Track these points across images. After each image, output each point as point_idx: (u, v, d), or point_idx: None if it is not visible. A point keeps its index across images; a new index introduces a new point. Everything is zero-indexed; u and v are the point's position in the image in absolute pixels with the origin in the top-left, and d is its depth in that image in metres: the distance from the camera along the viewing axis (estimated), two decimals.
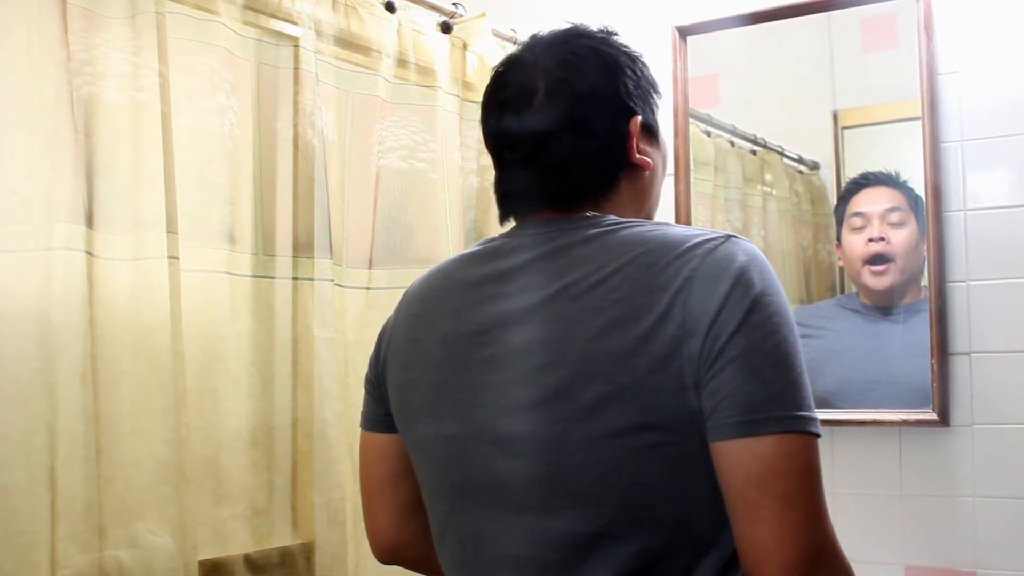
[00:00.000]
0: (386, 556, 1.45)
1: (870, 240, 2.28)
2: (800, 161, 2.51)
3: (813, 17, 2.38)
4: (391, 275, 2.17)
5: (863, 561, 2.19)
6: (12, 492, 1.50)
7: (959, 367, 2.18)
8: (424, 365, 1.27)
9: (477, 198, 2.42)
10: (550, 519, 1.14)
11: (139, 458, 1.65)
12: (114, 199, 1.66)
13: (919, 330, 2.21)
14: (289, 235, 1.98)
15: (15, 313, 1.53)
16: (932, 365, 2.18)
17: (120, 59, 1.68)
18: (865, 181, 2.33)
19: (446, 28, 2.35)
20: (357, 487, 1.99)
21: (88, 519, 1.58)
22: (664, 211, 1.36)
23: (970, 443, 2.16)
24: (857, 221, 2.31)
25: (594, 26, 1.33)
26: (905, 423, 2.20)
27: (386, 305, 2.07)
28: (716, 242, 1.13)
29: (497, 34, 2.45)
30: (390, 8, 2.20)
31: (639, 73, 1.30)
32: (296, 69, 2.00)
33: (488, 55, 2.41)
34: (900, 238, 2.26)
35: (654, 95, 1.32)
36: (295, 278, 1.98)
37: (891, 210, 2.27)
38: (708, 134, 2.56)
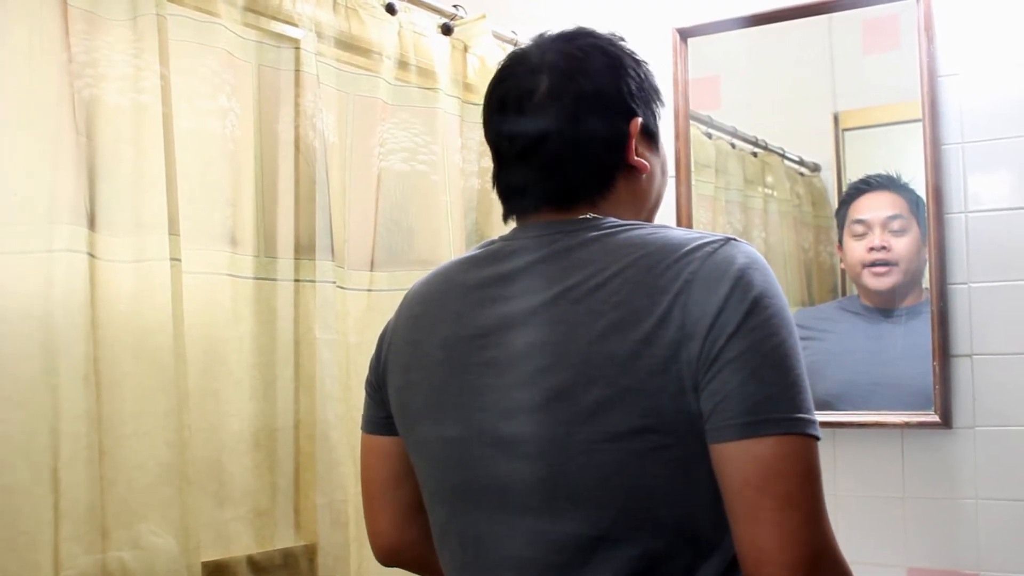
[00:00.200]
0: (387, 558, 1.45)
1: (871, 249, 2.28)
2: (801, 163, 2.51)
3: (814, 19, 2.38)
4: (392, 277, 2.17)
5: (865, 563, 2.19)
6: (15, 493, 1.50)
7: (961, 369, 2.18)
8: (425, 368, 1.27)
9: (478, 200, 2.42)
10: (551, 522, 1.14)
11: (142, 460, 1.65)
12: (116, 201, 1.66)
13: (920, 332, 2.21)
14: (291, 237, 1.98)
15: (17, 314, 1.53)
16: (934, 367, 2.18)
17: (121, 61, 1.68)
18: (866, 186, 2.33)
19: (447, 30, 2.36)
20: (359, 488, 2.00)
21: (91, 520, 1.58)
22: (665, 213, 1.36)
23: (972, 445, 2.16)
24: (858, 228, 2.31)
25: (601, 29, 1.33)
26: (907, 425, 2.20)
27: (387, 307, 2.07)
28: (716, 245, 1.13)
29: (498, 36, 2.46)
30: (391, 10, 2.20)
31: (643, 77, 1.30)
32: (297, 71, 2.00)
33: (489, 57, 2.42)
34: (901, 245, 2.26)
35: (656, 101, 1.33)
36: (297, 280, 1.98)
37: (892, 218, 2.27)
38: (709, 136, 2.56)
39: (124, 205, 1.67)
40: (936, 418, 2.17)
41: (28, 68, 1.57)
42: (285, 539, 1.93)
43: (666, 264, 1.11)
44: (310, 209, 1.98)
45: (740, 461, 1.05)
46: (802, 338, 2.34)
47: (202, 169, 1.83)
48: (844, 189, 2.38)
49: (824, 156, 2.45)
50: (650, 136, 1.30)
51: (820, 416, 2.27)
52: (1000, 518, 2.12)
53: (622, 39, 1.32)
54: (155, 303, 1.67)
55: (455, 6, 2.38)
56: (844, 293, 2.39)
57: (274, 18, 1.99)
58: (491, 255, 1.27)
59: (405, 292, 1.39)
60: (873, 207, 2.30)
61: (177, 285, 1.69)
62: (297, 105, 1.99)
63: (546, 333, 1.15)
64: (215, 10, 1.86)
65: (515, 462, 1.16)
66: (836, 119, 2.41)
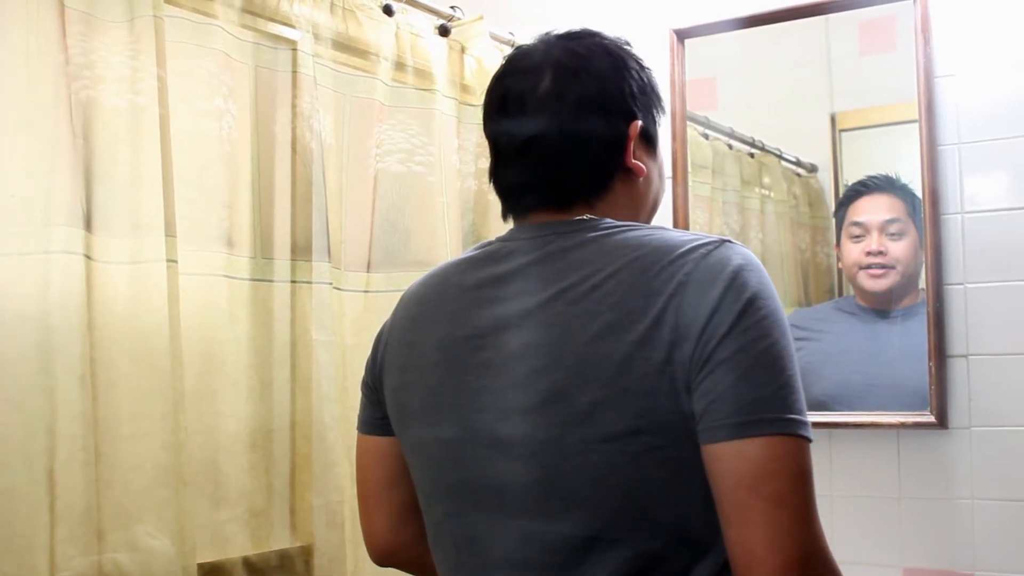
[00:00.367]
0: (383, 558, 1.45)
1: (868, 253, 2.28)
2: (798, 164, 2.51)
3: (811, 20, 2.38)
4: (389, 278, 2.17)
5: (862, 564, 2.20)
6: (11, 495, 1.50)
7: (957, 370, 2.18)
8: (421, 368, 1.27)
9: (475, 201, 2.42)
10: (546, 522, 1.14)
11: (138, 461, 1.65)
12: (112, 203, 1.66)
13: (917, 333, 2.21)
14: (287, 238, 1.98)
15: (14, 316, 1.53)
16: (930, 368, 2.18)
17: (118, 63, 1.68)
18: (865, 188, 2.33)
19: (444, 31, 2.36)
20: (355, 490, 2.00)
21: (87, 522, 1.58)
22: (662, 214, 1.37)
23: (968, 445, 2.16)
24: (856, 231, 2.31)
25: (606, 31, 1.33)
26: (903, 426, 2.20)
27: (384, 308, 2.07)
28: (710, 247, 1.13)
29: (495, 37, 2.46)
30: (388, 11, 2.20)
31: (645, 80, 1.31)
32: (294, 72, 2.00)
33: (486, 58, 2.42)
34: (899, 249, 2.26)
35: (657, 107, 1.33)
36: (293, 281, 1.98)
37: (890, 222, 2.27)
38: (706, 137, 2.56)
39: (121, 207, 1.67)
40: (932, 418, 2.17)
41: (25, 70, 1.57)
42: (281, 540, 1.93)
43: (661, 266, 1.12)
44: (307, 210, 1.99)
45: (731, 461, 1.05)
46: (798, 338, 2.35)
47: (199, 170, 1.84)
48: (841, 190, 2.38)
49: (821, 157, 2.45)
50: (649, 140, 1.30)
51: (816, 416, 2.29)
52: (996, 518, 2.12)
53: (627, 43, 1.33)
54: (152, 305, 1.67)
55: (452, 7, 2.38)
56: (841, 294, 2.39)
57: (271, 19, 1.99)
58: (488, 256, 1.27)
59: (401, 293, 1.39)
60: (871, 210, 2.30)
61: (173, 287, 1.69)
62: (294, 106, 1.99)
63: (541, 334, 1.15)
64: (212, 12, 1.86)
65: (510, 463, 1.16)
66: (833, 120, 2.41)
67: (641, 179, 1.29)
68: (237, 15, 1.91)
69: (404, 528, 1.39)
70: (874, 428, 2.24)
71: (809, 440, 1.08)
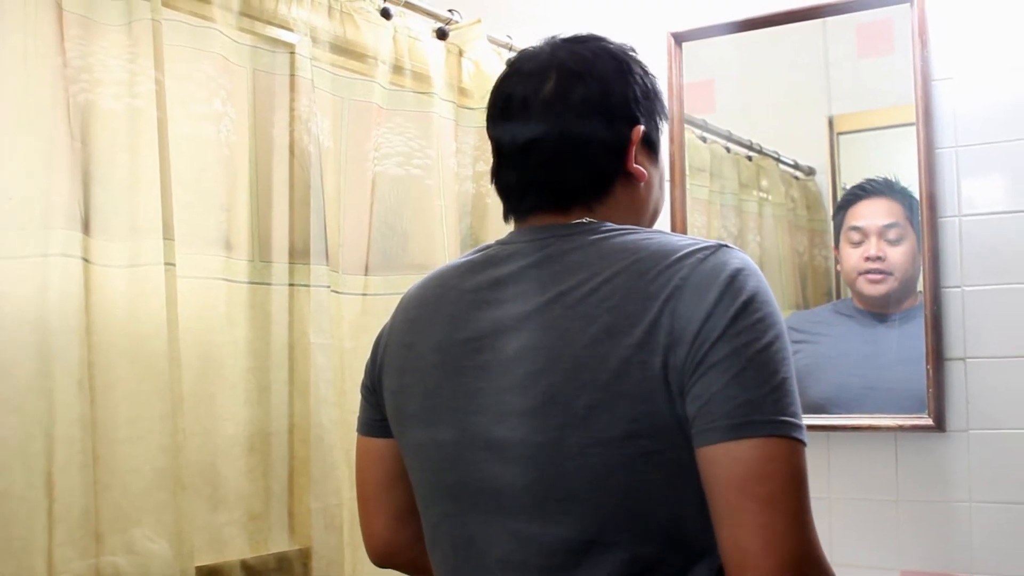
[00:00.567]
0: (382, 560, 1.45)
1: (867, 258, 2.28)
2: (796, 167, 2.51)
3: (808, 23, 2.38)
4: (387, 281, 2.17)
5: (859, 566, 2.20)
6: (9, 498, 1.50)
7: (954, 373, 2.18)
8: (419, 371, 1.27)
9: (473, 204, 2.42)
10: (543, 525, 1.14)
11: (136, 464, 1.65)
12: (110, 206, 1.66)
13: (914, 336, 2.21)
14: (285, 241, 1.98)
15: (12, 319, 1.53)
16: (927, 371, 2.18)
17: (116, 66, 1.68)
18: (863, 192, 2.32)
19: (442, 35, 2.36)
20: (354, 493, 1.99)
21: (85, 525, 1.58)
22: (660, 217, 1.37)
23: (966, 448, 2.16)
24: (855, 236, 2.31)
25: (614, 37, 1.34)
26: (901, 428, 2.20)
27: (382, 311, 2.07)
28: (707, 251, 1.13)
29: (493, 40, 2.46)
30: (386, 15, 2.20)
31: (649, 87, 1.31)
32: (292, 76, 2.00)
33: (484, 62, 2.42)
34: (897, 254, 2.26)
35: (661, 114, 1.33)
36: (291, 284, 1.98)
37: (889, 227, 2.27)
38: (704, 140, 2.56)
39: (119, 210, 1.67)
40: (929, 421, 2.17)
41: (23, 73, 1.57)
42: (279, 543, 1.93)
43: (658, 270, 1.12)
44: (304, 214, 1.99)
45: (722, 463, 1.05)
46: (796, 341, 2.35)
47: (197, 174, 1.84)
48: (839, 193, 2.38)
49: (819, 160, 2.45)
50: (651, 146, 1.31)
51: (814, 419, 2.29)
52: (993, 521, 2.13)
53: (632, 49, 1.33)
54: (150, 308, 1.67)
55: (450, 11, 2.38)
56: (839, 296, 2.39)
57: (269, 23, 1.99)
58: (487, 259, 1.28)
59: (400, 296, 1.40)
60: (870, 214, 2.30)
61: (172, 289, 1.69)
62: (292, 110, 1.99)
63: (539, 337, 1.15)
64: (210, 15, 1.86)
65: (507, 465, 1.16)
66: (831, 123, 2.42)
67: (642, 184, 1.29)
68: (235, 19, 1.91)
69: (403, 529, 1.40)
70: (872, 431, 2.24)
71: (803, 443, 1.07)
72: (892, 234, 2.26)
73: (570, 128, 1.24)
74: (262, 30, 1.99)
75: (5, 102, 1.56)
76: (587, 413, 1.10)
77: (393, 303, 1.41)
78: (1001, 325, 2.14)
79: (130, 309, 1.67)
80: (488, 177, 2.27)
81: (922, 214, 2.20)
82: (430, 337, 1.27)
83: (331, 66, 2.13)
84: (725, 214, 2.57)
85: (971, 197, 2.19)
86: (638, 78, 1.29)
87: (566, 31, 1.34)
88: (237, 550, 1.86)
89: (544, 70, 1.27)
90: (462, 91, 2.42)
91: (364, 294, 2.15)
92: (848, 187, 2.38)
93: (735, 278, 1.10)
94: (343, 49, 2.16)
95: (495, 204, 2.38)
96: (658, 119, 1.33)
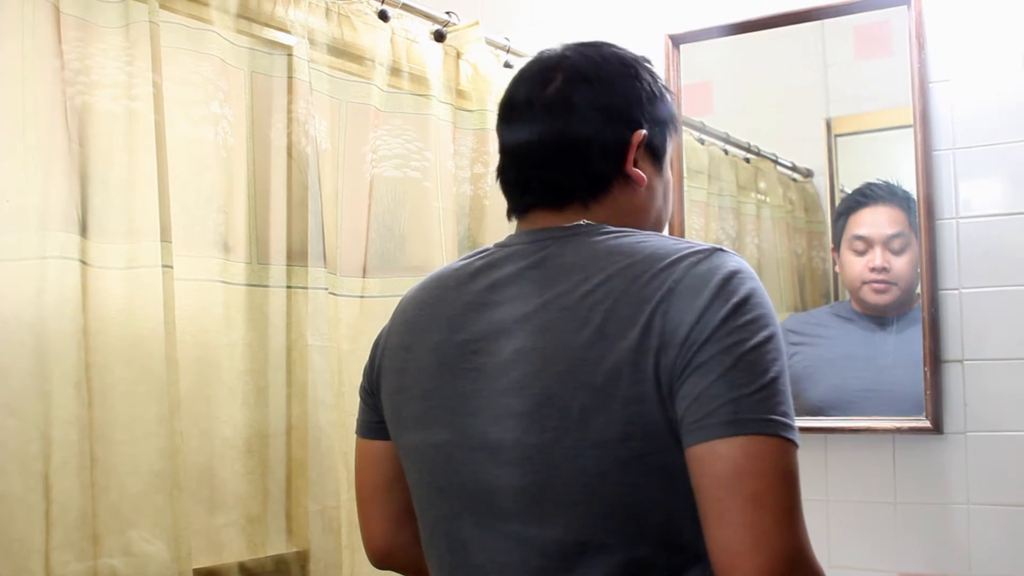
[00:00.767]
0: (380, 561, 1.45)
1: (872, 269, 2.28)
2: (794, 169, 2.51)
3: (806, 25, 2.38)
4: (385, 283, 2.17)
5: (857, 569, 2.20)
6: (7, 499, 1.50)
7: (952, 375, 2.18)
8: (416, 372, 1.27)
9: (471, 206, 2.42)
10: (537, 527, 1.15)
11: (133, 466, 1.65)
12: (108, 208, 1.66)
13: (912, 338, 2.21)
14: (283, 244, 1.98)
15: (10, 321, 1.53)
16: (925, 373, 2.18)
17: (114, 68, 1.68)
18: (865, 198, 2.32)
19: (439, 37, 2.36)
20: (351, 495, 2.00)
21: (82, 527, 1.58)
22: None
23: (963, 451, 2.16)
24: (859, 245, 2.30)
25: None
26: (898, 431, 2.21)
27: (380, 313, 2.07)
28: (702, 255, 1.13)
29: (490, 43, 2.46)
30: (383, 17, 2.20)
31: (657, 96, 1.32)
32: (290, 78, 2.00)
33: (481, 64, 2.42)
34: (901, 263, 2.25)
35: (670, 126, 1.34)
36: (289, 287, 1.98)
37: (894, 236, 2.26)
38: (702, 142, 2.56)
39: (116, 212, 1.67)
40: (927, 424, 2.17)
41: (21, 75, 1.57)
42: (277, 545, 1.93)
43: (652, 273, 1.12)
44: (302, 215, 1.99)
45: (708, 462, 1.05)
46: (794, 343, 2.35)
47: (194, 176, 1.84)
48: (837, 195, 2.39)
49: (817, 162, 2.45)
50: (654, 153, 1.31)
51: (811, 422, 2.29)
52: (991, 523, 2.13)
53: (647, 60, 1.35)
54: (147, 310, 1.67)
55: (448, 13, 2.38)
56: (837, 298, 2.39)
57: (267, 25, 1.99)
58: (484, 262, 1.28)
59: (397, 298, 1.40)
60: (874, 223, 2.29)
61: (169, 292, 1.69)
62: (290, 112, 1.99)
63: (534, 340, 1.15)
64: (208, 17, 1.86)
65: (502, 467, 1.16)
66: (829, 125, 2.42)
67: (643, 188, 1.29)
68: (232, 21, 1.91)
69: (401, 531, 1.40)
70: (870, 433, 2.24)
71: (792, 442, 1.06)
72: (897, 244, 2.26)
73: (569, 126, 1.25)
74: (260, 32, 1.99)
75: (3, 104, 1.56)
76: (581, 415, 1.10)
77: (391, 305, 1.41)
78: (999, 327, 2.14)
79: (127, 311, 1.67)
80: (486, 179, 2.28)
81: (920, 216, 2.20)
82: (427, 339, 1.27)
83: (329, 68, 2.13)
84: (723, 216, 2.57)
85: (968, 199, 2.19)
86: (645, 84, 1.30)
87: (584, 36, 1.35)
88: (235, 552, 1.86)
89: (552, 71, 1.29)
90: (460, 93, 2.43)
91: (362, 296, 2.15)
92: (846, 190, 2.38)
93: (729, 281, 1.10)
94: (341, 51, 2.16)
95: (493, 206, 2.39)
96: (666, 131, 1.33)
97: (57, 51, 1.61)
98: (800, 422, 2.30)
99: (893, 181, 2.27)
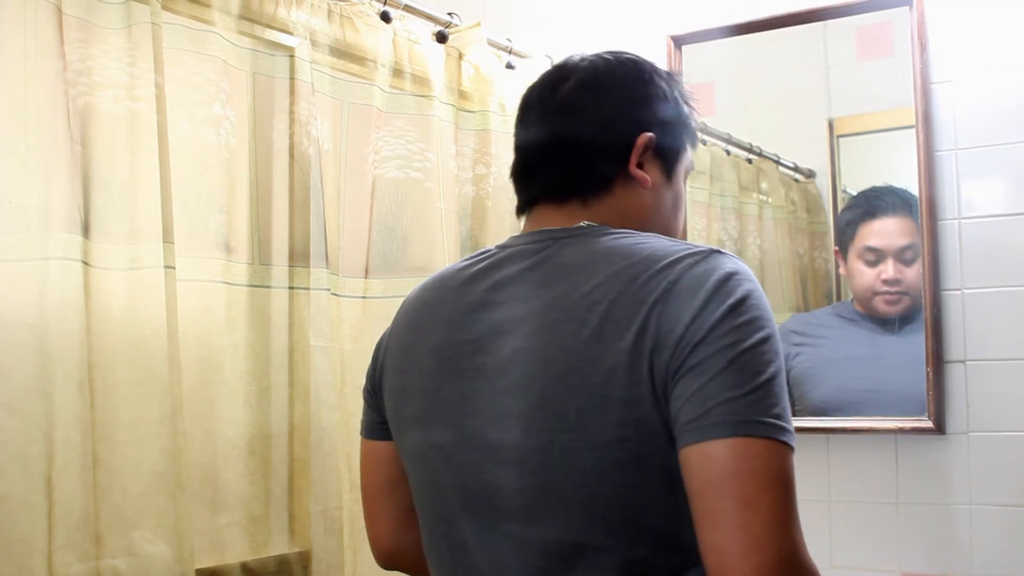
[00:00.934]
0: (387, 562, 1.46)
1: (885, 281, 2.27)
2: (796, 169, 2.51)
3: (808, 26, 2.38)
4: (387, 284, 2.17)
5: (860, 569, 2.20)
6: (9, 500, 1.50)
7: (954, 375, 2.18)
8: (418, 372, 1.28)
9: (473, 207, 2.42)
10: (536, 528, 1.15)
11: (136, 467, 1.65)
12: (110, 209, 1.66)
13: (914, 338, 2.21)
14: (285, 244, 1.98)
15: (12, 322, 1.53)
16: (927, 373, 2.18)
17: (116, 69, 1.68)
18: (877, 209, 2.31)
19: (441, 38, 2.36)
20: (354, 496, 2.00)
21: (85, 528, 1.58)
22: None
23: (966, 451, 2.16)
24: (870, 256, 2.29)
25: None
26: (901, 431, 2.20)
27: (382, 314, 2.07)
28: (699, 256, 1.13)
29: (492, 43, 2.46)
30: (385, 18, 2.20)
31: (672, 102, 1.33)
32: (292, 79, 2.00)
33: (483, 65, 2.42)
34: (912, 273, 2.24)
35: (685, 136, 1.35)
36: (291, 287, 1.98)
37: (905, 248, 2.25)
38: (704, 143, 2.56)
39: (118, 213, 1.67)
40: (930, 424, 2.17)
41: (23, 76, 1.57)
42: (279, 546, 1.93)
43: (648, 275, 1.12)
44: (304, 216, 1.99)
45: (698, 462, 1.05)
46: (797, 344, 2.35)
47: (197, 177, 1.84)
48: (840, 195, 2.39)
49: (819, 162, 2.45)
50: (663, 158, 1.32)
51: (814, 422, 2.29)
52: (993, 523, 2.12)
53: (669, 72, 1.37)
54: (149, 310, 1.67)
55: (450, 14, 2.38)
56: (839, 299, 2.39)
57: (269, 26, 1.99)
58: (486, 262, 1.28)
59: (399, 299, 1.41)
60: (887, 235, 2.28)
61: (171, 292, 1.69)
62: (292, 113, 1.99)
63: (533, 341, 1.16)
64: (210, 18, 1.87)
65: (501, 468, 1.17)
66: (831, 125, 2.42)
67: (647, 192, 1.29)
68: (235, 22, 1.91)
69: (407, 531, 1.40)
70: (872, 433, 2.24)
71: (786, 444, 1.05)
72: (908, 255, 2.25)
73: (574, 126, 1.28)
74: (262, 33, 1.99)
75: (5, 105, 1.56)
76: (578, 417, 1.10)
77: (393, 306, 1.41)
78: (1001, 328, 2.14)
79: (130, 312, 1.67)
80: (488, 180, 2.28)
81: (922, 217, 2.20)
82: (429, 339, 1.28)
83: (331, 69, 2.13)
84: (725, 217, 2.57)
85: (971, 200, 2.19)
86: (660, 91, 1.32)
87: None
88: (237, 553, 1.86)
89: (567, 74, 1.32)
90: (462, 94, 2.43)
91: (364, 297, 2.15)
92: (848, 190, 2.38)
93: (726, 282, 1.10)
94: (343, 52, 2.16)
95: (495, 207, 2.39)
96: (680, 139, 1.34)
97: (59, 52, 1.61)
98: (802, 422, 2.31)
99: (899, 185, 2.27)
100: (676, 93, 1.34)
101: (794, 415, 1.11)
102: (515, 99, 2.43)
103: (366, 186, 2.18)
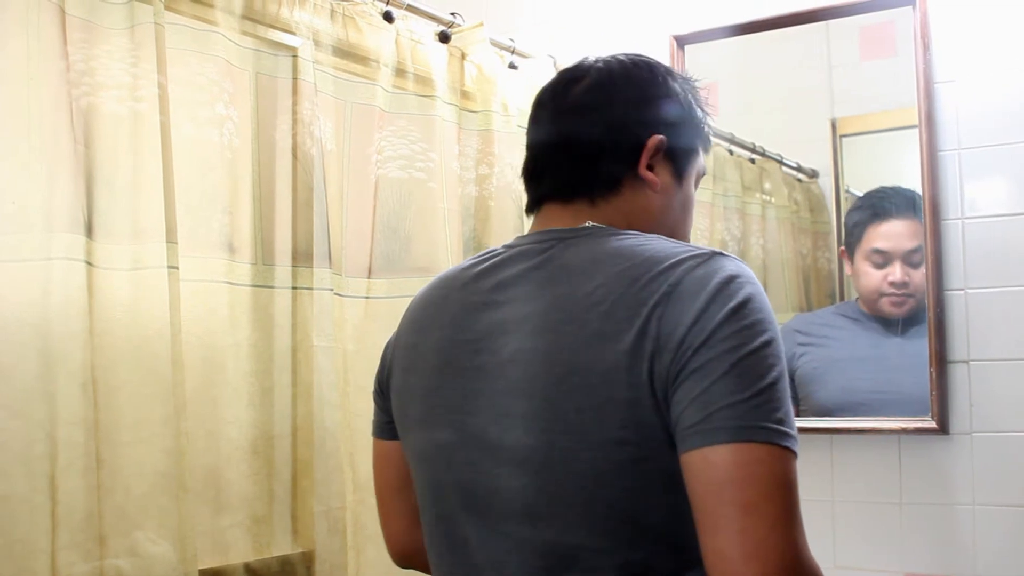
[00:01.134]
0: (402, 560, 1.47)
1: (892, 283, 2.27)
2: (799, 169, 2.51)
3: (811, 26, 2.38)
4: (390, 284, 2.17)
5: (863, 569, 2.20)
6: (12, 501, 1.50)
7: (958, 375, 2.18)
8: (421, 371, 1.28)
9: (476, 207, 2.42)
10: (534, 529, 1.15)
11: (139, 467, 1.65)
12: (113, 209, 1.67)
13: (918, 339, 2.21)
14: (288, 244, 1.98)
15: (15, 322, 1.53)
16: (931, 374, 2.18)
17: (119, 70, 1.68)
18: (885, 212, 2.30)
19: (444, 38, 2.36)
20: (357, 496, 2.01)
21: (88, 528, 1.58)
22: None
23: (969, 451, 2.16)
24: (877, 258, 2.29)
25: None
26: (904, 431, 2.20)
27: (385, 314, 2.08)
28: (700, 259, 1.12)
29: (495, 43, 2.46)
30: (388, 18, 2.21)
31: (685, 106, 1.33)
32: (295, 79, 2.00)
33: (486, 65, 2.42)
34: (919, 276, 2.23)
35: (698, 140, 1.36)
36: (294, 287, 1.98)
37: (913, 251, 2.25)
38: None
39: (122, 213, 1.67)
40: (933, 424, 2.17)
41: (26, 76, 1.58)
42: (282, 546, 1.93)
43: (649, 276, 1.11)
44: (307, 216, 1.99)
45: (699, 468, 1.04)
46: (802, 343, 2.35)
47: (200, 177, 1.84)
48: (843, 195, 2.38)
49: (822, 162, 2.45)
50: (674, 160, 1.32)
51: (817, 422, 2.29)
52: (996, 524, 2.12)
53: (685, 76, 1.37)
54: (153, 311, 1.67)
55: (452, 14, 2.38)
56: (842, 299, 2.39)
57: (272, 26, 1.99)
58: (491, 262, 1.29)
59: (403, 299, 1.41)
60: (894, 237, 2.28)
61: (175, 293, 1.69)
62: (295, 113, 1.99)
63: (534, 341, 1.16)
64: (213, 19, 1.87)
65: (501, 467, 1.17)
66: (834, 125, 2.42)
67: (655, 194, 1.29)
68: (238, 22, 1.91)
69: (419, 530, 1.40)
70: (875, 434, 2.24)
71: (788, 449, 1.04)
72: (916, 257, 2.25)
73: (584, 126, 1.28)
74: (264, 34, 1.99)
75: (8, 105, 1.56)
76: (577, 418, 1.10)
77: (396, 306, 1.41)
78: (1004, 328, 2.14)
79: (133, 312, 1.67)
80: (490, 180, 2.28)
81: (925, 217, 2.20)
82: (432, 338, 1.28)
83: (334, 69, 2.13)
84: (728, 217, 2.56)
85: (974, 200, 2.19)
86: (673, 94, 1.32)
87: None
88: (240, 553, 1.86)
89: (581, 75, 1.32)
90: (464, 94, 2.43)
91: (367, 297, 2.15)
92: (851, 190, 2.38)
93: (727, 285, 1.09)
94: (346, 52, 2.16)
95: (498, 207, 2.39)
96: (692, 142, 1.34)
97: (62, 53, 1.61)
98: (806, 422, 2.31)
99: (905, 186, 2.26)
100: (690, 97, 1.35)
101: (799, 415, 1.11)
102: (518, 99, 2.45)
103: (369, 186, 2.18)
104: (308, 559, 1.94)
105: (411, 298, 1.40)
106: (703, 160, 1.38)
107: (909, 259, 2.26)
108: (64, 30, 1.62)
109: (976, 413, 2.16)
